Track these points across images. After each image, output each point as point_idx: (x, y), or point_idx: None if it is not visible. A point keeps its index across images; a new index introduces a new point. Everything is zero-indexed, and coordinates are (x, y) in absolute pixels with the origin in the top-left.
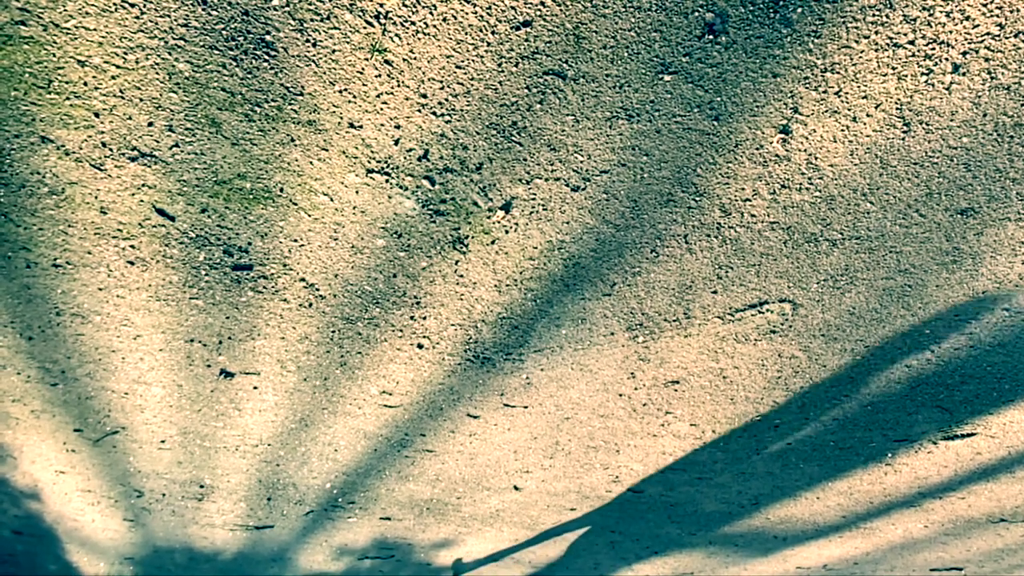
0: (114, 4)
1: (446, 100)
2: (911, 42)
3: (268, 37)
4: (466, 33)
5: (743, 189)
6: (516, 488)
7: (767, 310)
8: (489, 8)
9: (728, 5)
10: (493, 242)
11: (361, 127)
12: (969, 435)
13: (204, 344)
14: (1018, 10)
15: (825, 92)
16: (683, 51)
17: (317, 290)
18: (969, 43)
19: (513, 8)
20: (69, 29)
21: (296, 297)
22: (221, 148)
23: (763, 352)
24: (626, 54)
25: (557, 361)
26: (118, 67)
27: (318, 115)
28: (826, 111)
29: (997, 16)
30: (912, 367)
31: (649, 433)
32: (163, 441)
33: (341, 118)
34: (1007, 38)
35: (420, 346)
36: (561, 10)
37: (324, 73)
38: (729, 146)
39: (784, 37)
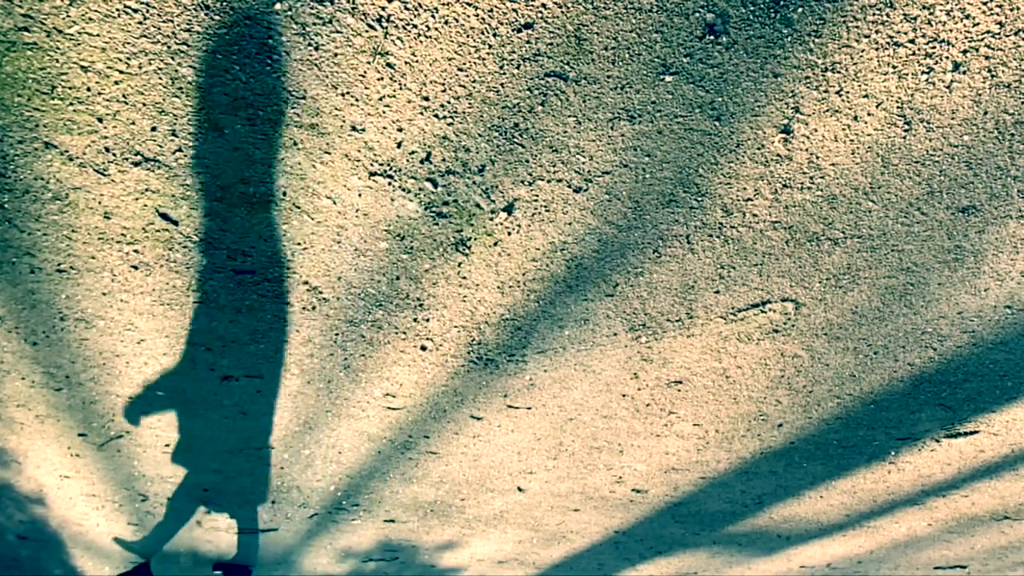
0: (117, 10)
1: (448, 103)
2: (911, 41)
3: (270, 41)
4: (468, 36)
5: (745, 189)
6: (520, 489)
7: (770, 309)
8: (490, 11)
9: (729, 5)
10: (496, 244)
11: (363, 130)
12: (972, 433)
13: (208, 348)
14: (1018, 8)
15: (826, 91)
16: (684, 52)
17: (320, 293)
18: (969, 41)
19: (514, 10)
20: (72, 35)
21: (299, 300)
22: (224, 152)
23: (766, 352)
24: (627, 55)
25: (560, 362)
26: (121, 72)
27: (320, 119)
28: (827, 110)
29: (997, 14)
30: (915, 365)
31: (652, 433)
32: (167, 445)
33: (343, 121)
34: (1007, 36)
35: (423, 348)
36: (562, 12)
37: (326, 77)
38: (731, 146)
39: (785, 37)
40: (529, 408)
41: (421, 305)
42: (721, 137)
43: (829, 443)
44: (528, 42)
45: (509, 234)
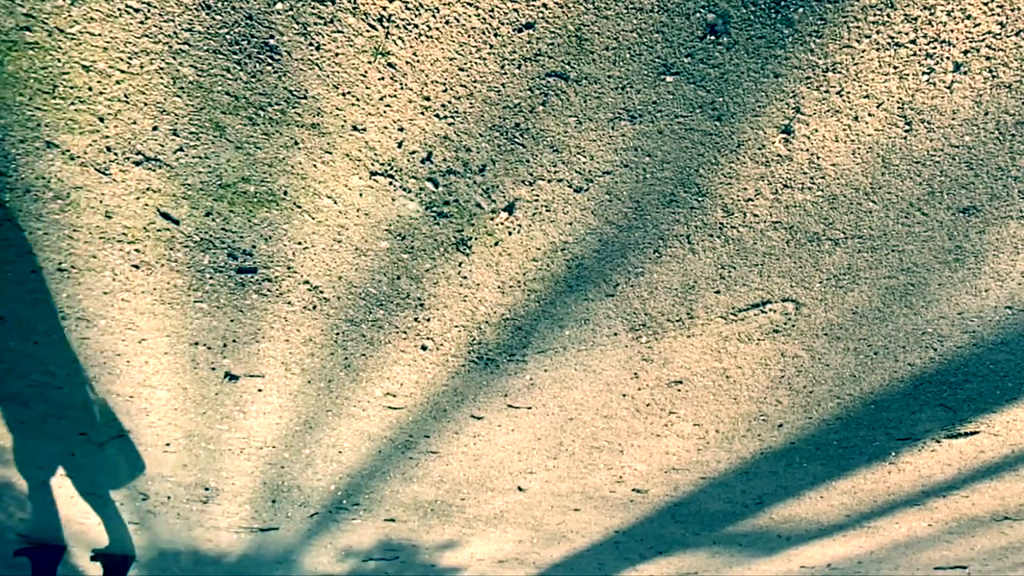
0: (119, 9)
1: (449, 103)
2: (912, 41)
3: (272, 41)
4: (469, 36)
5: (745, 189)
6: (520, 489)
7: (770, 310)
8: (491, 11)
9: (730, 6)
10: (496, 244)
11: (364, 130)
12: (973, 433)
13: (209, 347)
14: (1019, 8)
15: (827, 92)
16: (685, 52)
17: (321, 293)
18: (970, 42)
19: (515, 10)
20: (74, 34)
21: (300, 300)
22: (225, 152)
23: (766, 352)
24: (628, 55)
25: (560, 362)
26: (122, 72)
27: (322, 118)
28: (828, 111)
29: (998, 15)
30: (915, 366)
31: (653, 433)
32: (168, 444)
33: (344, 121)
34: (1008, 36)
35: (424, 348)
36: (563, 12)
37: (327, 76)
38: (731, 146)
39: (786, 37)
40: (529, 408)
41: (422, 305)
42: (722, 137)
43: (829, 443)
44: (529, 42)
45: (510, 234)
